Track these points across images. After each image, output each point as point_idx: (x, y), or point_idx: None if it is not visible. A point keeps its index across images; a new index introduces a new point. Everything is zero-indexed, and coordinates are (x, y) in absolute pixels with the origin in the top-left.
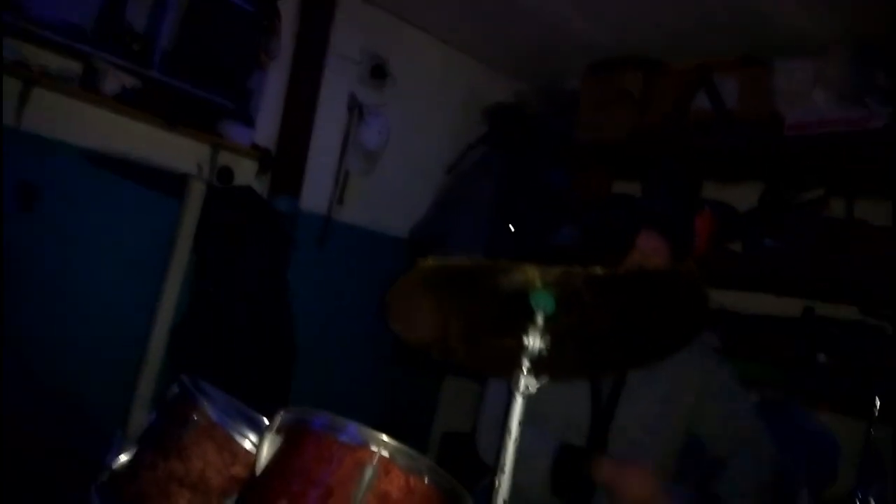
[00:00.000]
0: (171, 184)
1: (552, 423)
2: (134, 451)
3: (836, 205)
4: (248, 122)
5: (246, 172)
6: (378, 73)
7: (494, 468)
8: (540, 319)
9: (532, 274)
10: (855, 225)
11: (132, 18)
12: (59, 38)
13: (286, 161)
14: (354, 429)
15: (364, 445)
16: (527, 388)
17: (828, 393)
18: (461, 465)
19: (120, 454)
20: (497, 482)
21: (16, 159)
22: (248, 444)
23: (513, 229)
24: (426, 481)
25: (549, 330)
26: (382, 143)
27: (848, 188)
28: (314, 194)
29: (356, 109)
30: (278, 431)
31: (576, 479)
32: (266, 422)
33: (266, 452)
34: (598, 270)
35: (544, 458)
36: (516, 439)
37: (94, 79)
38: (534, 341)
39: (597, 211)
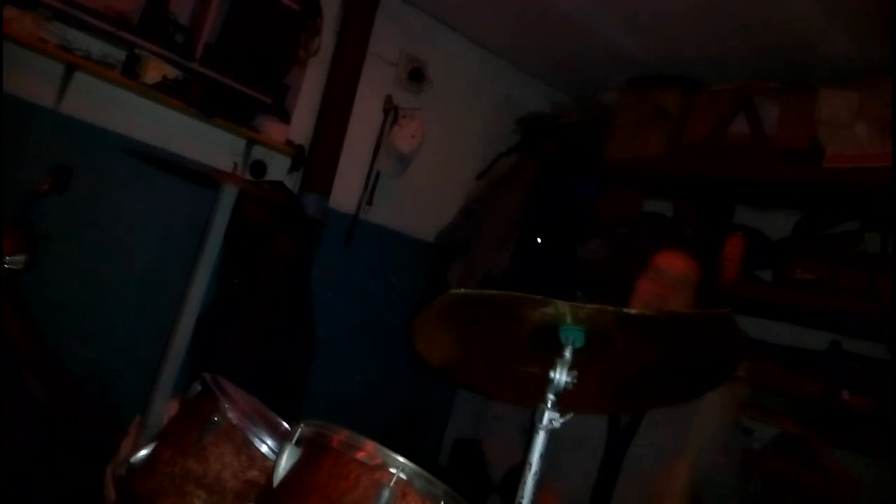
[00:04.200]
0: (206, 177)
1: (566, 441)
2: (153, 445)
3: (870, 239)
4: (284, 117)
5: (279, 167)
6: (415, 75)
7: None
8: (568, 353)
9: (563, 309)
10: (888, 261)
11: (177, 10)
12: (103, 25)
13: (319, 158)
14: (374, 448)
15: (382, 466)
16: (550, 422)
17: (849, 431)
18: (472, 471)
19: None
20: None
21: (53, 141)
22: (265, 449)
23: (539, 242)
24: None
25: (576, 364)
26: (415, 147)
27: (884, 224)
28: (344, 193)
29: (391, 111)
30: (297, 443)
31: None
32: (285, 425)
33: (284, 464)
34: (631, 311)
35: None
36: (536, 473)
37: (136, 67)
38: (560, 375)
39: (628, 228)
